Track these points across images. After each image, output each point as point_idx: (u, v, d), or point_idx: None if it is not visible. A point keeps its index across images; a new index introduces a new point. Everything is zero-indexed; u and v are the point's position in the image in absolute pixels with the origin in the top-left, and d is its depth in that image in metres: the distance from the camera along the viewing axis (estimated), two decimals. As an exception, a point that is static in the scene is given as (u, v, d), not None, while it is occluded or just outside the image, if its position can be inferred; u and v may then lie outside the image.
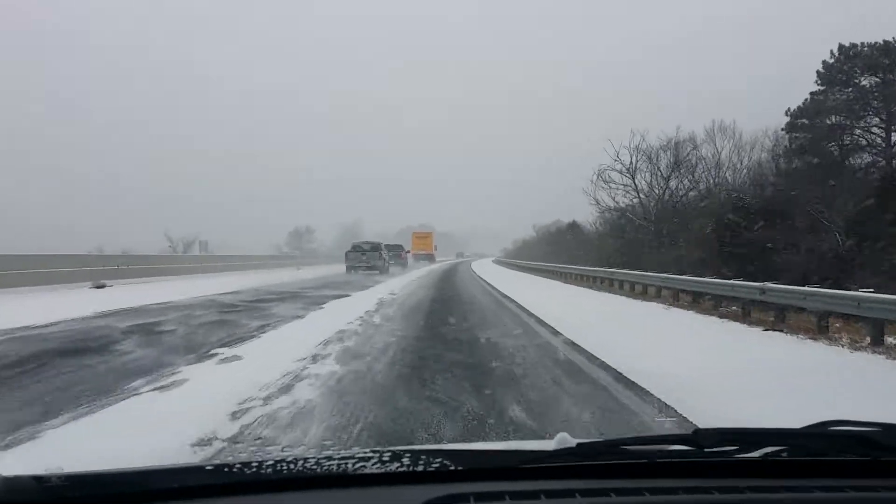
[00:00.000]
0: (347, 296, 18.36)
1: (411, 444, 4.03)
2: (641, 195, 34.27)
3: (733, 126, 32.55)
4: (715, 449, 1.36)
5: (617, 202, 35.62)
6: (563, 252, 44.65)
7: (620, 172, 34.48)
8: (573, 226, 49.40)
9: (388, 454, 1.30)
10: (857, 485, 1.29)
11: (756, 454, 1.36)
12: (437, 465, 1.28)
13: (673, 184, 33.22)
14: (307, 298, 17.43)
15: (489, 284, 25.95)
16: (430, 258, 67.71)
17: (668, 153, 32.79)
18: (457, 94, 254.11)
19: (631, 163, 34.38)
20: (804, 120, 26.68)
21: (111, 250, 37.10)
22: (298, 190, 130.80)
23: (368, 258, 36.70)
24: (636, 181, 34.57)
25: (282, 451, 4.23)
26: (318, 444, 4.18)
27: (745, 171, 31.33)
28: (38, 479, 1.17)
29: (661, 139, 33.39)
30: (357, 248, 38.01)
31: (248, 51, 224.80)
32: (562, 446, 1.38)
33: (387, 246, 42.31)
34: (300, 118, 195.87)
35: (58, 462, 1.30)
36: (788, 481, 1.30)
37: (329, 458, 1.30)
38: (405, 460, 1.28)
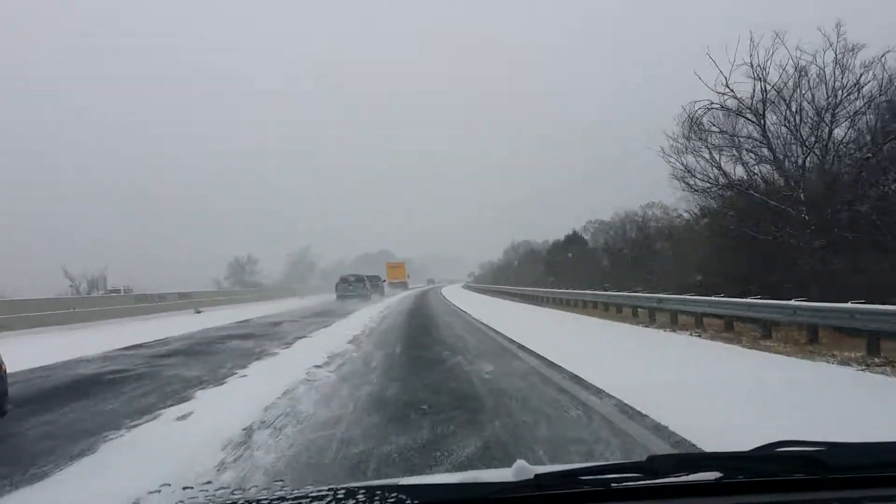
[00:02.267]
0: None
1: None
2: (779, 157, 17.72)
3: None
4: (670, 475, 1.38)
5: (724, 171, 18.78)
6: (567, 274, 36.85)
7: (735, 112, 17.66)
8: (574, 239, 41.95)
9: (343, 491, 1.24)
10: (808, 499, 1.39)
11: (710, 477, 1.38)
12: (393, 500, 1.22)
13: (839, 132, 16.80)
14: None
15: (536, 355, 10.76)
16: (403, 285, 73.19)
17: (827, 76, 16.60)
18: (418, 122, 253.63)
19: (754, 95, 17.12)
20: None
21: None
22: (242, 218, 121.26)
23: (354, 288, 44.34)
24: (766, 127, 17.42)
25: (231, 494, 3.31)
26: (269, 484, 3.95)
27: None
28: None
29: (798, 57, 16.71)
30: (345, 280, 45.74)
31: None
32: (520, 477, 1.36)
33: (367, 277, 49.53)
34: (247, 142, 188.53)
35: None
36: (741, 497, 1.36)
37: (282, 498, 1.24)
38: (360, 497, 1.22)
